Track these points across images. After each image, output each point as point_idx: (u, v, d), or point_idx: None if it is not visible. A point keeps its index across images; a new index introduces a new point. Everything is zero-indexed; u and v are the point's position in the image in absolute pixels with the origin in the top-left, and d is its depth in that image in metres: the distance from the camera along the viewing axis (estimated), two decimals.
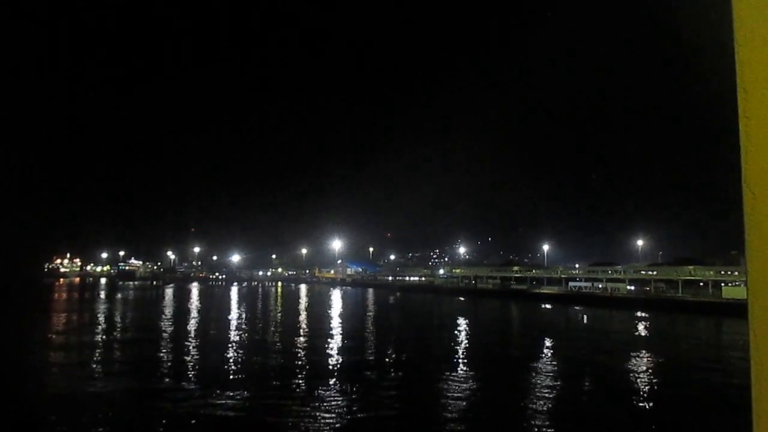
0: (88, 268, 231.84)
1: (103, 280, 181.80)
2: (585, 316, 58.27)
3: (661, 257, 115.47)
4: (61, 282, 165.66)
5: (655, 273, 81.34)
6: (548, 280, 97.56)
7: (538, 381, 22.90)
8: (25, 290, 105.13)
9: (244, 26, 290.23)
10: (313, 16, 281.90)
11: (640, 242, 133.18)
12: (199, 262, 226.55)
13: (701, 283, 72.26)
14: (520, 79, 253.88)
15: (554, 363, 27.99)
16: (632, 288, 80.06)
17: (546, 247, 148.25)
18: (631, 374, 25.42)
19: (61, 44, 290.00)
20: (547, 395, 20.50)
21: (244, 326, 45.84)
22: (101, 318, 52.05)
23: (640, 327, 48.12)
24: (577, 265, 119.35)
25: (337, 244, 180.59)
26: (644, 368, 27.06)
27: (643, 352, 31.96)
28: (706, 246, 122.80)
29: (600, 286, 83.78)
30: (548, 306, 73.95)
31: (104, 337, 38.38)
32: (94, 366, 26.89)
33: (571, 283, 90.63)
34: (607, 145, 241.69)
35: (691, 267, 75.84)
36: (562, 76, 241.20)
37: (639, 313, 59.40)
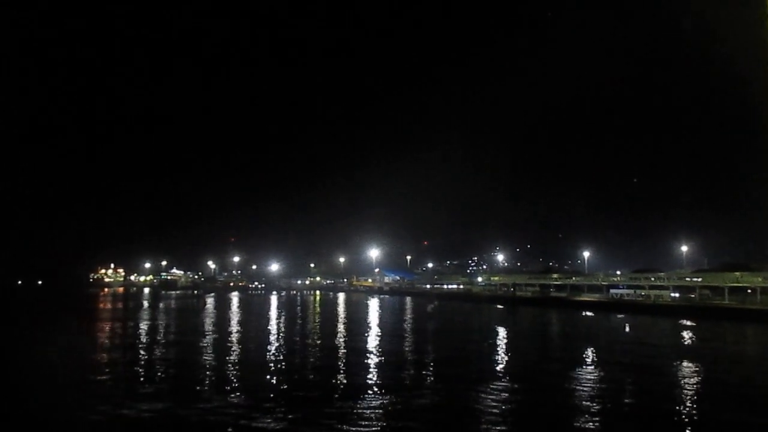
0: (132, 278, 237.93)
1: (146, 290, 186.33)
2: (627, 325, 57.07)
3: (707, 263, 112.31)
4: (105, 291, 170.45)
5: (700, 280, 79.10)
6: (588, 288, 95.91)
7: (590, 395, 22.53)
8: (73, 300, 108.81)
9: (278, 39, 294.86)
10: (341, 27, 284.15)
11: (684, 248, 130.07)
12: (239, 272, 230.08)
13: (749, 290, 70.03)
14: (556, 78, 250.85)
15: (602, 375, 27.43)
16: (676, 295, 78.11)
17: (586, 254, 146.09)
18: (684, 389, 24.60)
19: (111, 58, 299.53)
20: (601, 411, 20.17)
21: (292, 336, 46.40)
22: (154, 328, 53.48)
23: (686, 335, 46.94)
24: (618, 272, 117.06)
25: (374, 253, 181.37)
26: (696, 381, 26.32)
27: (693, 363, 30.94)
28: (753, 252, 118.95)
29: (642, 293, 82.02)
30: (589, 314, 72.77)
31: (155, 353, 39.29)
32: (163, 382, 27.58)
33: (612, 291, 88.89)
34: (650, 148, 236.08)
35: (737, 273, 73.50)
36: (598, 75, 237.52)
37: (684, 321, 57.98)
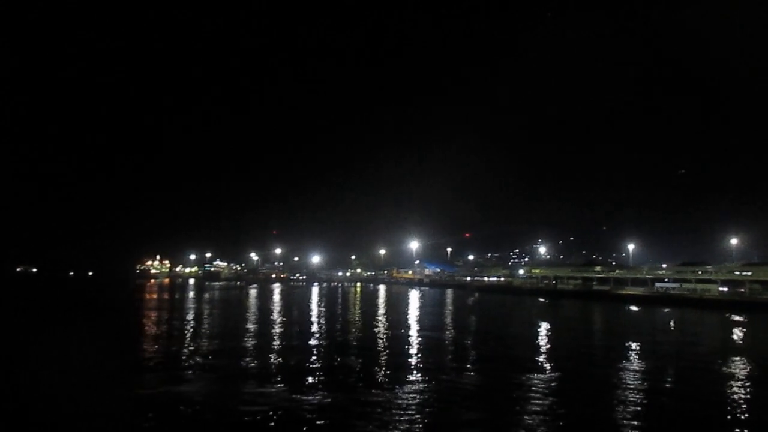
0: (177, 269, 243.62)
1: (191, 281, 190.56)
2: (673, 320, 56.11)
3: (757, 257, 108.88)
4: (152, 282, 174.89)
5: (750, 273, 76.97)
6: (632, 281, 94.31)
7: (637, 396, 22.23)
8: (125, 290, 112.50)
9: (316, 41, 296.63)
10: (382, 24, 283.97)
11: (734, 241, 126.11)
12: (281, 263, 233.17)
13: None
14: (599, 70, 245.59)
15: (643, 373, 27.10)
16: (725, 289, 76.22)
17: (631, 247, 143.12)
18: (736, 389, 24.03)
19: (154, 60, 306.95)
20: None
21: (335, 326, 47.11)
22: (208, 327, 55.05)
23: (734, 331, 45.93)
24: (664, 265, 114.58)
25: (414, 245, 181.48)
26: (743, 381, 25.48)
27: (743, 361, 30.20)
28: None
29: (689, 287, 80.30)
30: (633, 308, 71.60)
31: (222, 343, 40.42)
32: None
33: (657, 284, 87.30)
34: (699, 139, 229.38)
35: None
36: (647, 64, 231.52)
37: (732, 316, 56.70)
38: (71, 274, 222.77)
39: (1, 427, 17.10)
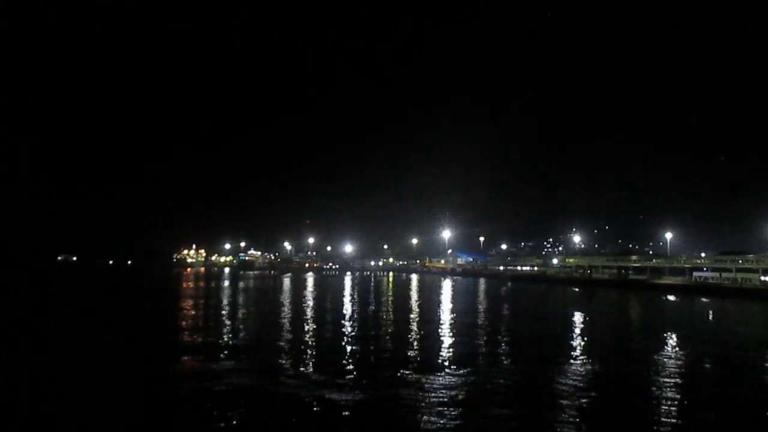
0: (212, 258, 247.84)
1: (226, 270, 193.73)
2: (711, 311, 54.96)
3: None
4: (188, 271, 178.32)
5: None
6: (670, 270, 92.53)
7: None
8: (165, 278, 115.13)
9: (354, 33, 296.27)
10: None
11: None
12: (314, 252, 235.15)
13: None
14: (633, 51, 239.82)
15: (678, 367, 26.58)
16: (766, 279, 74.25)
17: (669, 236, 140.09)
18: None
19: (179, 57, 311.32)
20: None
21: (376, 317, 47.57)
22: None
23: None
24: (703, 254, 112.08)
25: (447, 234, 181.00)
26: None
27: None
28: None
29: (729, 276, 78.43)
30: (671, 297, 70.25)
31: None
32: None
33: (695, 274, 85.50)
34: (738, 123, 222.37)
35: None
36: (684, 48, 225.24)
37: None
38: (111, 262, 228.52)
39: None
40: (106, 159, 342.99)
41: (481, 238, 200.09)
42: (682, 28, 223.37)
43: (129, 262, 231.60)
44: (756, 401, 19.59)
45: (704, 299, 65.89)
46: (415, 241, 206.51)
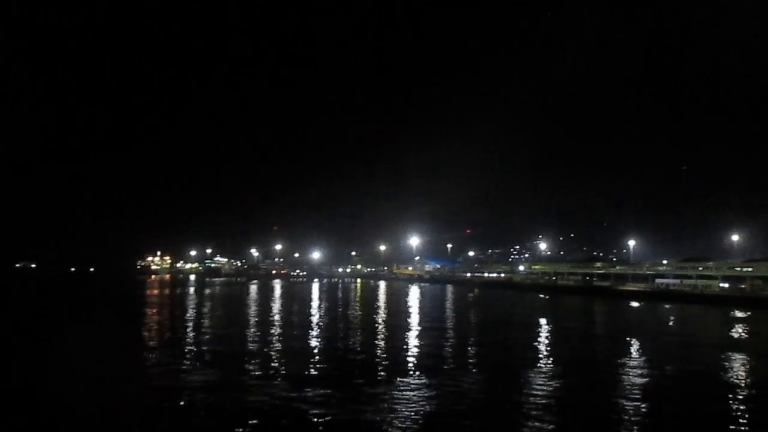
0: (178, 265, 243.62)
1: (192, 277, 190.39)
2: (673, 315, 55.86)
3: (758, 253, 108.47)
4: (152, 278, 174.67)
5: (751, 269, 76.72)
6: (633, 277, 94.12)
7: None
8: (126, 286, 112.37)
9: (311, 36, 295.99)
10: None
11: (735, 237, 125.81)
12: (281, 259, 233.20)
13: None
14: (599, 68, 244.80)
15: (640, 370, 26.79)
16: (726, 285, 75.98)
17: (632, 243, 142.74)
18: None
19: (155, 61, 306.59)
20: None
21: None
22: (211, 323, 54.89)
23: (734, 327, 45.49)
24: (665, 261, 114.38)
25: (415, 241, 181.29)
26: (741, 377, 25.13)
27: (742, 357, 29.69)
28: None
29: (690, 283, 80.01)
30: (634, 304, 71.23)
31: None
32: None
33: (658, 280, 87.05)
34: (699, 134, 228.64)
35: None
36: (651, 57, 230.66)
37: (734, 312, 56.36)
38: (72, 270, 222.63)
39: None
40: (68, 163, 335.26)
41: (449, 245, 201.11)
42: (649, 36, 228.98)
43: (91, 269, 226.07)
44: (711, 398, 19.99)
45: (666, 305, 66.94)
46: (383, 247, 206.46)
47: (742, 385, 22.93)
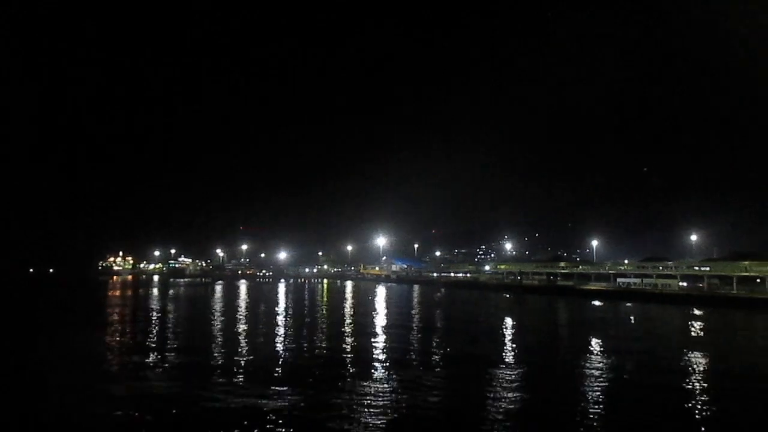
0: (141, 266, 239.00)
1: (156, 278, 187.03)
2: (633, 315, 56.80)
3: (716, 252, 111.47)
4: (115, 279, 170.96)
5: (708, 269, 78.66)
6: (596, 276, 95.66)
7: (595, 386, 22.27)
8: (89, 288, 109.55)
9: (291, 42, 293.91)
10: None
11: (693, 237, 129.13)
12: (247, 260, 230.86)
13: (758, 280, 69.54)
14: (566, 74, 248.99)
15: (602, 365, 27.20)
16: (684, 284, 77.74)
17: (595, 243, 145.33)
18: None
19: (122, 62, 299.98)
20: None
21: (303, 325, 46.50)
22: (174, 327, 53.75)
23: (692, 325, 46.48)
24: (626, 261, 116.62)
25: (382, 241, 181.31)
26: (697, 372, 25.79)
27: (698, 353, 30.46)
28: (764, 241, 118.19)
29: (650, 282, 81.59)
30: (596, 302, 72.24)
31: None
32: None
33: (619, 280, 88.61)
34: (659, 138, 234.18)
35: (746, 263, 72.97)
36: (612, 67, 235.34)
37: (692, 311, 57.61)
38: (30, 271, 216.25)
39: None
40: (29, 161, 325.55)
41: (416, 245, 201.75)
42: (620, 39, 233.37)
43: (50, 270, 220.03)
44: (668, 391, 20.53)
45: (628, 304, 68.08)
46: (350, 247, 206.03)
47: (696, 378, 23.56)
